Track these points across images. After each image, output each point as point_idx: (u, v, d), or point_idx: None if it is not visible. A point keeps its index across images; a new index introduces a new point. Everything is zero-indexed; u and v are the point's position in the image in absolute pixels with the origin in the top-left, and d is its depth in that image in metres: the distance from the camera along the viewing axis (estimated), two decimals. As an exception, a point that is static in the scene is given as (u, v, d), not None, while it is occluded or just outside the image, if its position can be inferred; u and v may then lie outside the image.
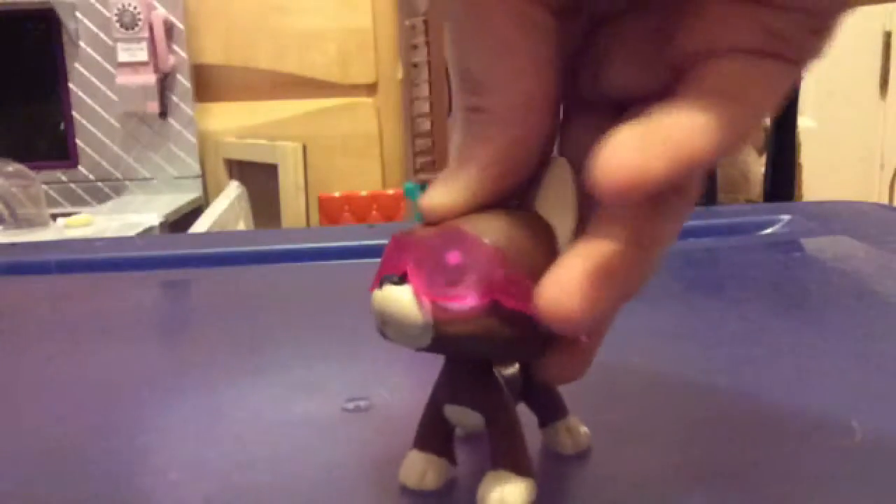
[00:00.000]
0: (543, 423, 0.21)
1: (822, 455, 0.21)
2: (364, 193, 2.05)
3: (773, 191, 1.01)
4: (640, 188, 0.14)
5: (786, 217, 0.50)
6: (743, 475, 0.21)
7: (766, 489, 0.20)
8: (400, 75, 2.10)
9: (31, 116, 2.03)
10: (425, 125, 2.01)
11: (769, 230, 0.49)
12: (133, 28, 1.92)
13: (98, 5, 1.96)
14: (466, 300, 0.16)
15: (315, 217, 2.05)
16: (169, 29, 1.97)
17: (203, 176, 2.10)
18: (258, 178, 2.04)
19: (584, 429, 0.22)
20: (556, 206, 0.18)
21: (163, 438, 0.25)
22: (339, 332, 0.35)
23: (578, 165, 0.18)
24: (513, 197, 0.18)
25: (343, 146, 2.13)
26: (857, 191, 2.26)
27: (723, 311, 0.35)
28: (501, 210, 0.18)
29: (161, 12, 1.96)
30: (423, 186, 1.95)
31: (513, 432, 0.19)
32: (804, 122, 1.90)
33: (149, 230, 1.54)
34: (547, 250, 0.17)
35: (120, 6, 1.92)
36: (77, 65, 2.00)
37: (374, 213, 2.03)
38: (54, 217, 1.58)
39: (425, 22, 1.90)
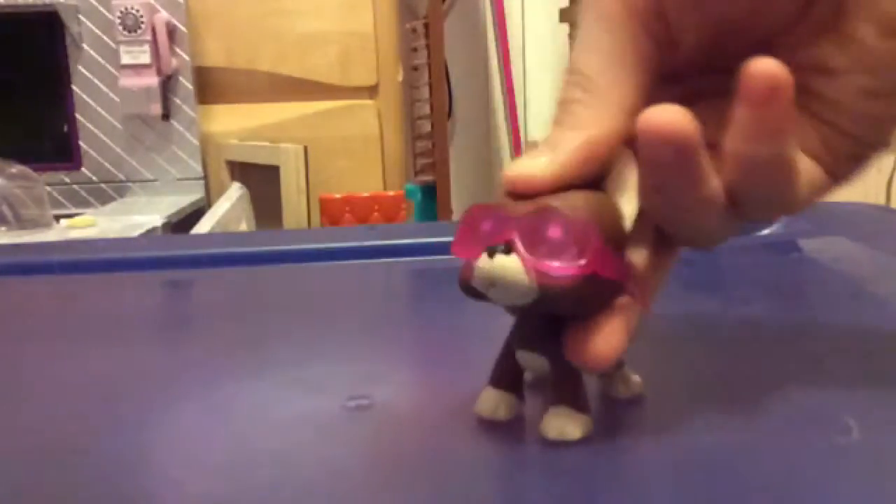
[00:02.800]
0: (600, 374, 0.24)
1: (818, 454, 0.22)
2: (365, 195, 2.06)
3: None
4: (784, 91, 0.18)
5: (782, 218, 0.50)
6: (739, 473, 0.21)
7: (763, 487, 0.20)
8: (401, 78, 2.11)
9: (35, 118, 2.04)
10: (426, 127, 2.01)
11: (766, 231, 0.49)
12: (136, 31, 1.93)
13: (101, 8, 1.97)
14: (568, 270, 0.19)
15: (316, 218, 2.06)
16: (171, 32, 1.98)
17: (205, 177, 2.10)
18: (260, 180, 2.04)
19: (636, 377, 0.24)
20: (623, 189, 0.21)
21: (165, 437, 0.25)
22: (340, 332, 0.35)
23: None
24: (590, 182, 0.21)
25: (344, 148, 2.13)
26: (854, 192, 2.25)
27: (720, 312, 0.35)
28: (583, 190, 0.20)
29: (163, 15, 1.96)
30: (424, 188, 1.96)
31: (573, 373, 0.21)
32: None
33: (151, 231, 1.54)
34: (621, 225, 0.21)
35: (123, 9, 1.92)
36: (80, 67, 2.00)
37: (374, 214, 2.03)
38: (57, 218, 1.58)
39: (426, 25, 1.90)
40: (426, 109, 1.99)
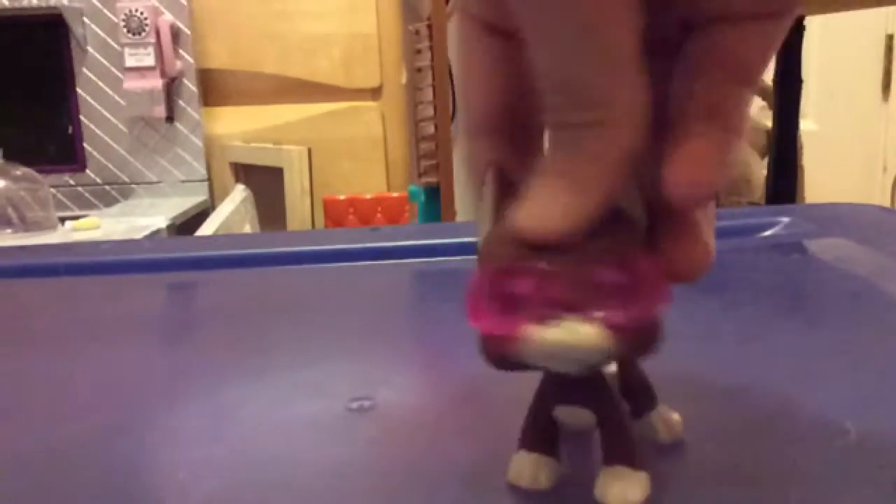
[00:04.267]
0: (639, 414, 0.22)
1: (817, 455, 0.22)
2: (368, 196, 2.06)
3: (776, 193, 1.01)
4: (709, 199, 0.18)
5: (785, 219, 0.50)
6: (738, 474, 0.21)
7: (762, 488, 0.20)
8: (404, 79, 2.11)
9: (40, 121, 2.05)
10: (429, 129, 2.01)
11: (769, 232, 0.49)
12: (140, 33, 1.94)
13: (105, 11, 1.97)
14: (638, 309, 0.17)
15: (320, 220, 2.06)
16: (175, 34, 1.98)
17: (209, 179, 2.11)
18: (264, 182, 2.05)
19: (676, 416, 0.22)
20: (629, 195, 0.18)
21: (169, 438, 0.25)
22: (343, 333, 0.35)
23: None
24: None
25: (348, 150, 2.14)
26: (859, 193, 2.25)
27: (722, 312, 0.35)
28: (607, 215, 0.17)
29: (168, 18, 1.97)
30: (427, 190, 1.96)
31: (624, 427, 0.19)
32: (806, 124, 1.89)
33: (156, 233, 1.55)
34: (641, 236, 0.18)
35: (127, 11, 1.93)
36: (85, 69, 2.01)
37: (378, 215, 2.04)
38: (62, 220, 1.59)
39: (429, 27, 1.90)
40: (430, 111, 1.99)
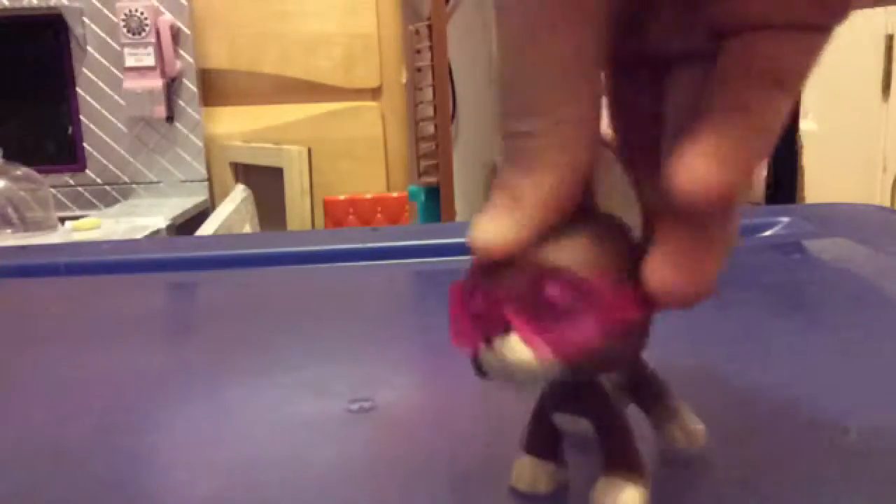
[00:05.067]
0: (656, 423, 0.21)
1: (817, 454, 0.22)
2: (368, 196, 2.06)
3: (776, 194, 1.01)
4: (718, 201, 0.15)
5: (785, 219, 0.50)
6: (738, 474, 0.21)
7: (762, 487, 0.20)
8: (404, 79, 2.11)
9: (40, 121, 2.05)
10: (429, 129, 2.01)
11: (769, 232, 0.49)
12: (140, 33, 1.94)
13: (105, 11, 1.97)
14: (584, 331, 0.16)
15: (320, 220, 2.06)
16: (175, 34, 1.98)
17: (209, 179, 2.11)
18: (264, 182, 2.05)
19: (699, 426, 0.21)
20: (615, 196, 0.18)
21: (170, 438, 0.25)
22: (343, 334, 0.35)
23: (623, 122, 0.19)
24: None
25: (348, 150, 2.14)
26: (859, 193, 2.25)
27: (722, 312, 0.35)
28: (569, 226, 0.17)
29: (168, 17, 1.97)
30: (427, 190, 1.96)
31: (622, 436, 0.19)
32: (806, 124, 1.89)
33: (156, 233, 1.55)
34: (625, 244, 0.17)
35: (127, 11, 1.93)
36: (85, 69, 2.01)
37: (378, 215, 2.04)
38: (62, 220, 1.59)
39: (429, 27, 1.90)
40: (430, 111, 1.99)
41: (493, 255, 0.17)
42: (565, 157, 0.16)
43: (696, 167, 0.15)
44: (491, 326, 0.16)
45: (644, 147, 0.18)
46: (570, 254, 0.16)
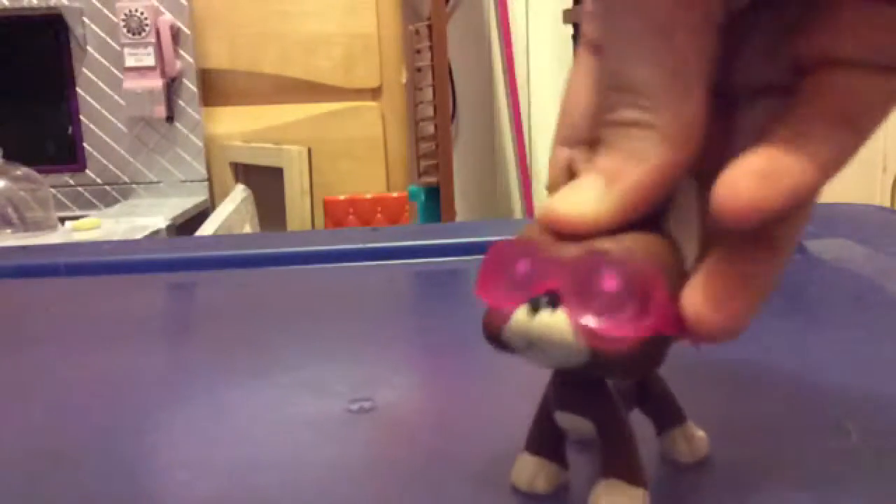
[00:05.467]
0: (660, 431, 0.21)
1: (817, 454, 0.22)
2: (368, 197, 2.06)
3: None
4: (756, 218, 0.15)
5: (786, 220, 0.50)
6: (738, 473, 0.21)
7: (762, 487, 0.20)
8: (404, 79, 2.11)
9: (40, 121, 2.05)
10: (429, 129, 2.01)
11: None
12: (140, 33, 1.94)
13: (105, 11, 1.97)
14: (629, 331, 0.16)
15: (320, 220, 2.06)
16: (175, 34, 1.98)
17: (209, 179, 2.11)
18: (264, 182, 2.05)
19: (702, 435, 0.21)
20: (683, 225, 0.18)
21: (169, 438, 0.25)
22: (343, 334, 0.35)
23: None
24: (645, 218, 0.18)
25: (348, 150, 2.14)
26: (859, 194, 2.25)
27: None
28: (637, 230, 0.17)
29: (168, 17, 1.97)
30: (427, 190, 1.96)
31: (624, 440, 0.18)
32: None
33: (156, 233, 1.55)
34: (682, 270, 0.17)
35: (127, 11, 1.93)
36: (85, 69, 2.01)
37: (378, 216, 2.04)
38: (62, 220, 1.59)
39: (429, 27, 1.91)
40: (430, 111, 1.99)
41: (572, 228, 0.17)
42: (671, 152, 0.16)
43: (737, 182, 0.15)
44: (536, 292, 0.16)
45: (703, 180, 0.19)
46: (634, 252, 0.16)
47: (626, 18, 0.17)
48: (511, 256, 0.17)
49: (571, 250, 0.16)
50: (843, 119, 0.16)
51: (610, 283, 0.16)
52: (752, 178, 0.15)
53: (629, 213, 0.17)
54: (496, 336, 0.17)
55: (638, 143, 0.17)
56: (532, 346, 0.16)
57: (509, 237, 0.18)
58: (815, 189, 0.16)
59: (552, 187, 0.20)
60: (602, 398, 0.18)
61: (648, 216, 0.17)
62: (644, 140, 0.17)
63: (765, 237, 0.17)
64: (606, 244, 0.16)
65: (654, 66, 0.16)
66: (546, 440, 0.20)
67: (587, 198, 0.17)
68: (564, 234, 0.17)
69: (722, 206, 0.15)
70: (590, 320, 0.16)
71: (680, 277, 0.17)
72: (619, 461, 0.18)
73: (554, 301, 0.16)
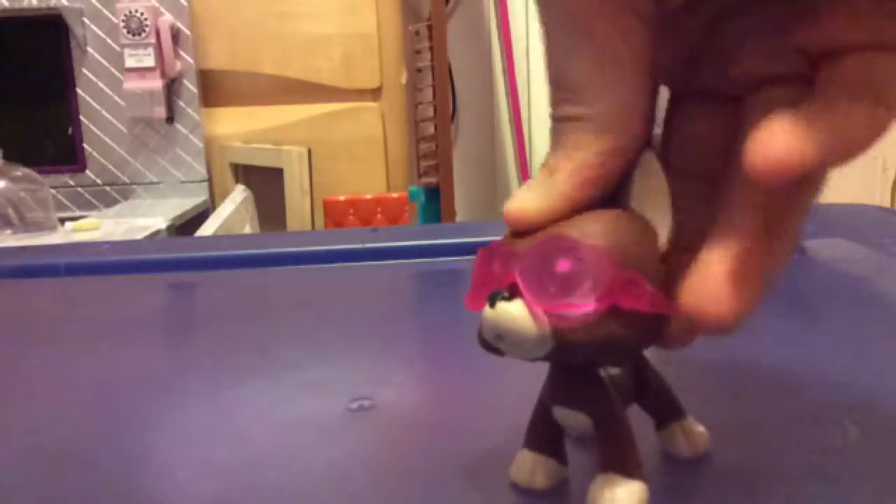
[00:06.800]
0: (659, 425, 0.21)
1: (817, 453, 0.22)
2: (368, 197, 2.06)
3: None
4: (793, 169, 0.15)
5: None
6: (738, 473, 0.21)
7: (761, 487, 0.20)
8: (404, 80, 2.11)
9: (40, 121, 2.05)
10: (429, 129, 2.01)
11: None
12: (140, 34, 1.94)
13: (105, 11, 1.98)
14: (584, 307, 0.16)
15: (320, 220, 2.06)
16: (175, 35, 1.98)
17: (209, 180, 2.11)
18: (264, 182, 2.05)
19: (701, 430, 0.21)
20: (652, 200, 0.18)
21: (170, 438, 0.25)
22: (343, 333, 0.35)
23: (686, 154, 0.19)
24: (604, 199, 0.18)
25: (348, 150, 2.14)
26: (859, 193, 2.25)
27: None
28: (598, 211, 0.17)
29: (168, 18, 1.97)
30: (427, 190, 1.96)
31: (621, 434, 0.19)
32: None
33: (156, 234, 1.55)
34: (651, 246, 0.17)
35: (127, 12, 1.93)
36: (85, 70, 2.01)
37: (378, 216, 2.04)
38: (62, 221, 1.59)
39: (429, 27, 1.91)
40: (430, 112, 2.00)
41: (521, 223, 0.18)
42: (607, 140, 0.17)
43: (770, 137, 0.15)
44: (498, 287, 0.17)
45: (698, 175, 0.19)
46: (588, 232, 0.17)
47: (551, 18, 0.17)
48: (486, 259, 0.18)
49: (528, 241, 0.17)
50: (867, 93, 0.16)
51: (563, 265, 0.16)
52: (783, 134, 0.15)
53: (568, 205, 0.17)
54: (479, 338, 0.18)
55: (573, 134, 0.18)
56: (500, 338, 0.17)
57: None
58: (841, 157, 0.16)
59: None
60: (598, 392, 0.19)
61: (611, 196, 0.18)
62: (578, 131, 0.17)
63: (768, 226, 0.17)
64: (560, 229, 0.17)
65: (580, 60, 0.17)
66: (544, 436, 0.20)
67: (532, 193, 0.18)
68: (518, 229, 0.18)
69: (754, 157, 0.15)
70: (545, 303, 0.16)
71: (645, 253, 0.17)
72: (616, 455, 0.18)
73: (511, 291, 0.17)
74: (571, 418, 0.19)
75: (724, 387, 0.27)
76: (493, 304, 0.17)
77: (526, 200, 0.18)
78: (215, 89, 2.11)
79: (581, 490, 0.19)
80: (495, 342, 0.17)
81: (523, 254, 0.17)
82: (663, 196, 0.18)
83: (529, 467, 0.20)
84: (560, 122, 0.18)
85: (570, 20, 0.17)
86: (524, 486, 0.20)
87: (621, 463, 0.18)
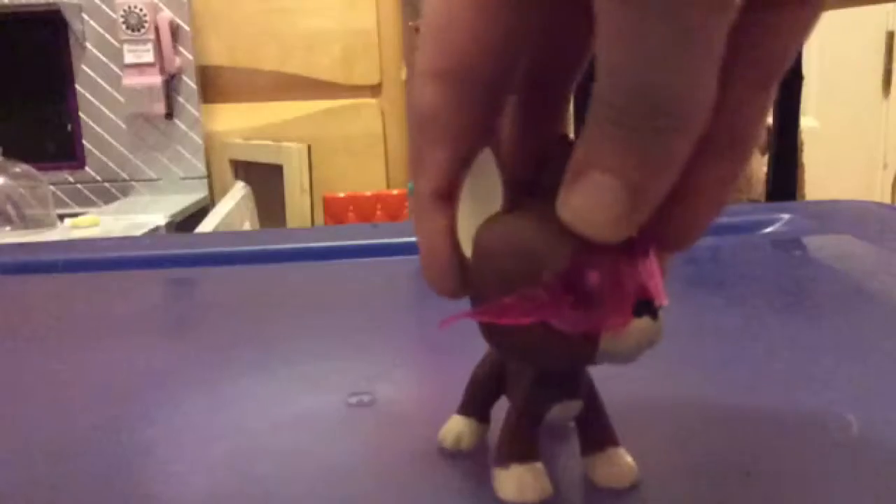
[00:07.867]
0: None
1: (818, 451, 0.22)
2: (368, 193, 2.06)
3: (776, 191, 1.01)
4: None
5: (786, 216, 0.50)
6: (740, 471, 0.21)
7: (764, 484, 0.20)
8: (404, 76, 2.11)
9: (39, 118, 2.04)
10: (429, 126, 2.01)
11: (770, 229, 0.49)
12: (139, 30, 1.93)
13: (104, 7, 1.97)
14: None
15: (320, 217, 2.06)
16: (175, 31, 1.98)
17: (209, 176, 2.11)
18: (263, 179, 2.05)
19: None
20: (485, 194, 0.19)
21: (169, 433, 0.25)
22: (342, 329, 0.35)
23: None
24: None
25: (347, 147, 2.14)
26: (859, 190, 2.25)
27: (723, 309, 0.35)
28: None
29: (167, 14, 1.97)
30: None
31: (605, 411, 0.20)
32: (807, 121, 1.90)
33: (155, 230, 1.55)
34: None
35: (126, 8, 1.93)
36: (84, 66, 2.01)
37: (378, 213, 2.04)
38: (61, 217, 1.59)
39: (429, 23, 1.90)
40: (429, 108, 1.99)
41: (606, 239, 0.17)
42: (693, 147, 0.16)
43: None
44: (640, 297, 0.17)
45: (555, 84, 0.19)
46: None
47: (648, 19, 0.15)
48: (577, 273, 0.17)
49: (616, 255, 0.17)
50: (767, 74, 0.17)
51: (649, 272, 0.17)
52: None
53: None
54: (594, 355, 0.17)
55: (661, 149, 0.16)
56: (649, 348, 0.18)
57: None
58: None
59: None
60: (586, 377, 0.20)
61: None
62: (667, 145, 0.16)
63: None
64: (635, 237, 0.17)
65: (681, 72, 0.15)
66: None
67: (613, 215, 0.16)
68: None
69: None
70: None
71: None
72: (608, 430, 0.20)
73: (650, 303, 0.17)
74: (571, 408, 0.20)
75: (724, 382, 0.27)
76: (655, 316, 0.17)
77: (606, 218, 0.16)
78: (215, 85, 2.11)
79: (577, 489, 0.19)
80: (635, 354, 0.17)
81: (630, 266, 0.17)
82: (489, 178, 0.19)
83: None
84: (642, 133, 0.16)
85: (677, 25, 0.14)
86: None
87: (611, 436, 0.20)
